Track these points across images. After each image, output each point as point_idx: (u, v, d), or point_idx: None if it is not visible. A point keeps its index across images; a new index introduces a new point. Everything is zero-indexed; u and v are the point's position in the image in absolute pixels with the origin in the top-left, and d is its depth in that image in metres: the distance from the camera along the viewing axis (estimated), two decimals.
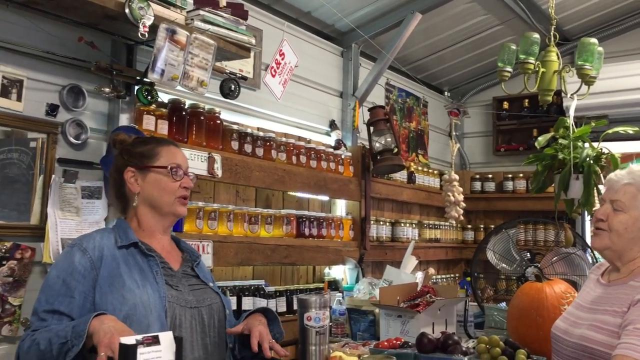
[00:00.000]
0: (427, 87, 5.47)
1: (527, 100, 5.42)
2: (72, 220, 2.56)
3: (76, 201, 2.59)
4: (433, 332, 2.86)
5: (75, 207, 2.58)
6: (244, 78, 3.09)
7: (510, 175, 5.45)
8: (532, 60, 3.34)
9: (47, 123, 2.51)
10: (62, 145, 2.57)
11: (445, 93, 5.87)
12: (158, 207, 2.01)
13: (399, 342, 2.12)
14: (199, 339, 1.92)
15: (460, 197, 4.16)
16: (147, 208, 2.02)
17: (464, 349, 1.91)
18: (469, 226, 5.54)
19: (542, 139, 3.33)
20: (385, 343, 2.13)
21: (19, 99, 2.42)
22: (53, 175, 2.50)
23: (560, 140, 3.29)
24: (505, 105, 5.60)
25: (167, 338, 1.12)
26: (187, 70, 2.61)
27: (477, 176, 5.63)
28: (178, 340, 1.14)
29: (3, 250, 2.34)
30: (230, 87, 2.96)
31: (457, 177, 4.21)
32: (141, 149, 2.04)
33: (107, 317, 1.64)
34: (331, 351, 2.04)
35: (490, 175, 5.58)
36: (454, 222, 4.41)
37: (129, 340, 1.09)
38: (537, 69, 3.37)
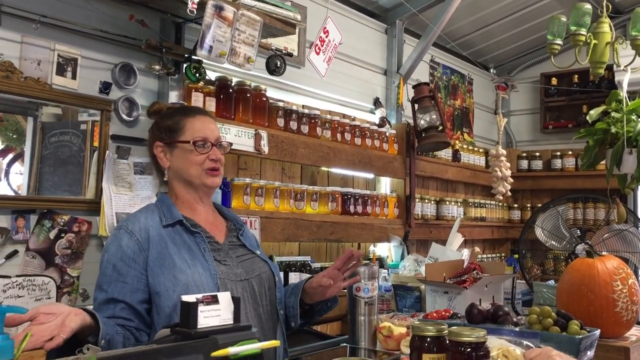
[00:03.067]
0: (472, 64, 5.38)
1: (576, 76, 5.28)
2: (125, 195, 2.63)
3: (129, 176, 2.67)
4: None
5: (129, 183, 2.66)
6: (290, 54, 3.11)
7: (558, 153, 5.33)
8: (583, 31, 3.25)
9: (101, 100, 2.58)
10: (115, 122, 2.64)
11: (491, 70, 5.76)
12: (188, 181, 1.98)
13: (447, 314, 2.12)
14: (252, 309, 1.92)
15: (508, 173, 4.10)
16: (179, 182, 2.00)
17: (514, 319, 1.90)
18: (515, 205, 5.46)
19: (593, 113, 3.24)
20: (434, 314, 2.13)
21: (73, 77, 2.49)
22: (107, 151, 2.58)
23: (612, 114, 3.20)
24: (554, 81, 5.46)
25: (225, 298, 1.16)
26: (234, 46, 2.64)
27: (524, 154, 5.53)
28: (236, 300, 1.17)
29: (61, 224, 2.43)
30: (276, 63, 2.98)
31: (504, 152, 4.15)
32: (167, 123, 2.01)
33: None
34: (380, 322, 2.06)
35: (537, 154, 5.47)
36: (501, 197, 4.35)
37: (190, 298, 1.12)
38: (588, 41, 3.27)
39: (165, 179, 2.02)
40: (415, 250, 4.32)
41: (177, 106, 2.12)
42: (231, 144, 2.12)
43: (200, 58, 2.63)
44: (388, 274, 3.64)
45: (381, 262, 3.92)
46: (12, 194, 2.42)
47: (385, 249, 4.08)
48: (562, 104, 5.46)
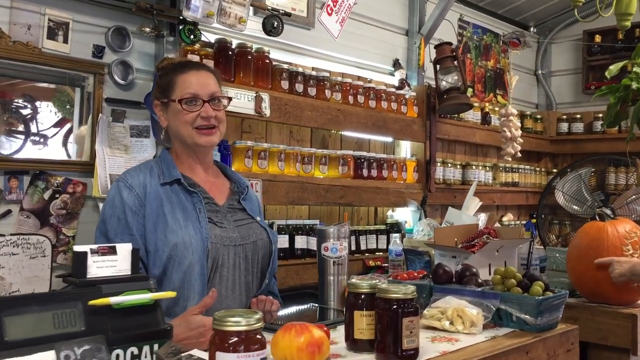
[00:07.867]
0: (509, 22, 5.12)
1: (621, 32, 4.93)
2: (120, 157, 2.68)
3: (125, 139, 2.71)
4: (490, 274, 2.74)
5: (124, 145, 2.71)
6: (288, 14, 3.05)
7: (600, 115, 5.04)
8: None
9: (93, 64, 2.62)
10: (110, 86, 2.68)
11: (531, 29, 5.46)
12: (182, 140, 1.93)
13: (420, 275, 2.06)
14: (241, 276, 1.90)
15: (518, 133, 3.92)
16: (177, 141, 1.97)
17: (480, 280, 1.82)
18: (555, 170, 5.22)
19: (613, 68, 3.02)
20: (405, 275, 2.07)
21: (65, 41, 2.54)
22: (100, 114, 2.63)
23: (635, 69, 2.98)
24: (597, 38, 5.14)
25: (124, 249, 1.15)
26: (224, 6, 2.62)
27: (564, 117, 5.26)
28: (134, 252, 1.17)
29: (56, 185, 2.51)
30: (272, 23, 2.93)
31: (514, 111, 3.97)
32: (162, 81, 1.97)
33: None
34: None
35: (578, 116, 5.19)
36: (509, 159, 4.19)
37: (82, 248, 1.13)
38: None
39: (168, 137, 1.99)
40: (438, 215, 4.22)
41: (176, 61, 2.04)
42: (230, 98, 2.03)
43: (190, 19, 2.61)
44: (401, 239, 3.58)
45: (398, 227, 3.86)
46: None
47: (405, 214, 4.00)
48: (606, 63, 5.10)
